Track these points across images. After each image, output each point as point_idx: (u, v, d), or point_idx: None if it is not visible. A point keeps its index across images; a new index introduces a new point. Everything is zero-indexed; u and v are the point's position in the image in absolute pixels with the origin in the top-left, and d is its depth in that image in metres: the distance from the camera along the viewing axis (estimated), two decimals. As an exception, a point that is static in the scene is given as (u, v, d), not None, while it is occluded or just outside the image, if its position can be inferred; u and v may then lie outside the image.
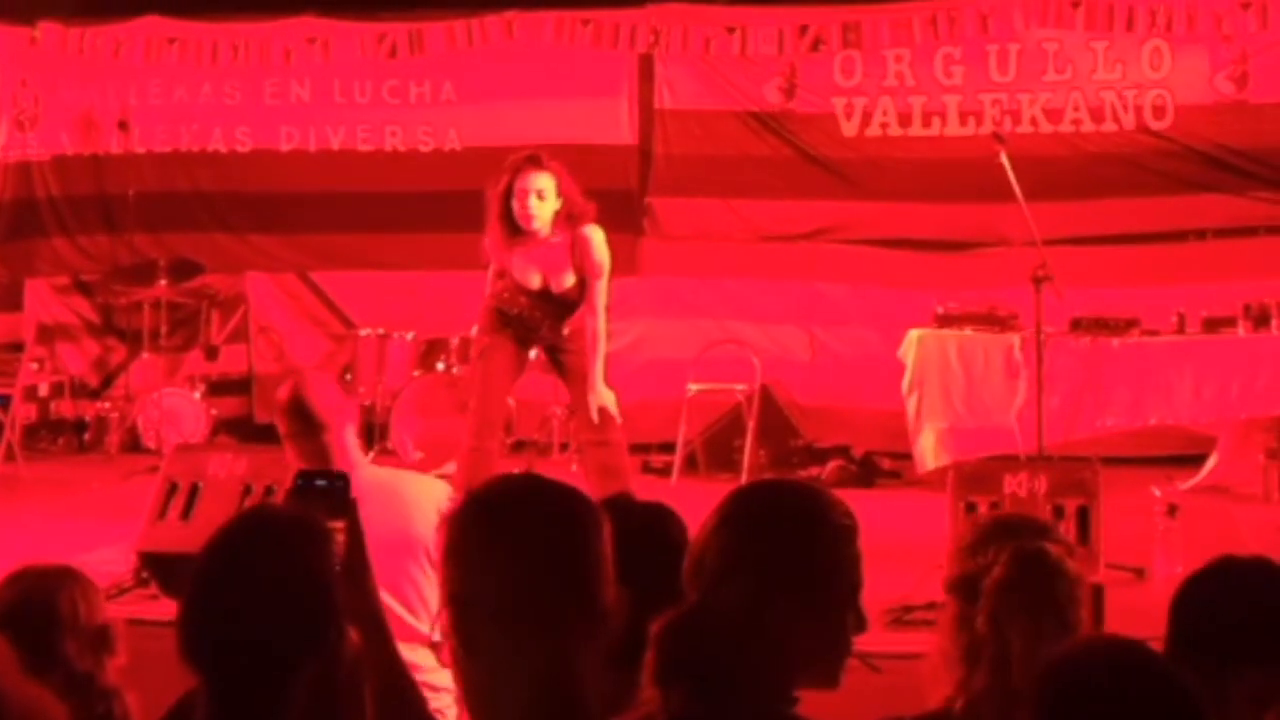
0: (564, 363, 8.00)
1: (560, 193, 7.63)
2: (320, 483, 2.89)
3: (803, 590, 2.53)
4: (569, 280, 7.71)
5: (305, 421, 4.50)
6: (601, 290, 7.76)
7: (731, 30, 11.61)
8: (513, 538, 2.46)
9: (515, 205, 7.57)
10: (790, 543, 2.56)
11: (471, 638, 2.44)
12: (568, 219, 7.65)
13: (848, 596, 2.59)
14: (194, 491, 7.00)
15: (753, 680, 2.40)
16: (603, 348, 7.86)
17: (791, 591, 2.52)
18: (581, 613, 2.45)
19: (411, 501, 4.32)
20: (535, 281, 7.71)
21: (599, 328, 7.80)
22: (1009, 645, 3.06)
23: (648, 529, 3.29)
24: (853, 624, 2.58)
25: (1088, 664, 2.32)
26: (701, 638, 2.42)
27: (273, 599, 2.57)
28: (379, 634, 2.83)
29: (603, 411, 7.82)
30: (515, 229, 7.65)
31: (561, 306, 7.78)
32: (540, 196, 7.58)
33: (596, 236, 7.74)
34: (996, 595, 3.08)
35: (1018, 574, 3.09)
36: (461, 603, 2.45)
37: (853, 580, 2.60)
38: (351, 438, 4.51)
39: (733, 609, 2.46)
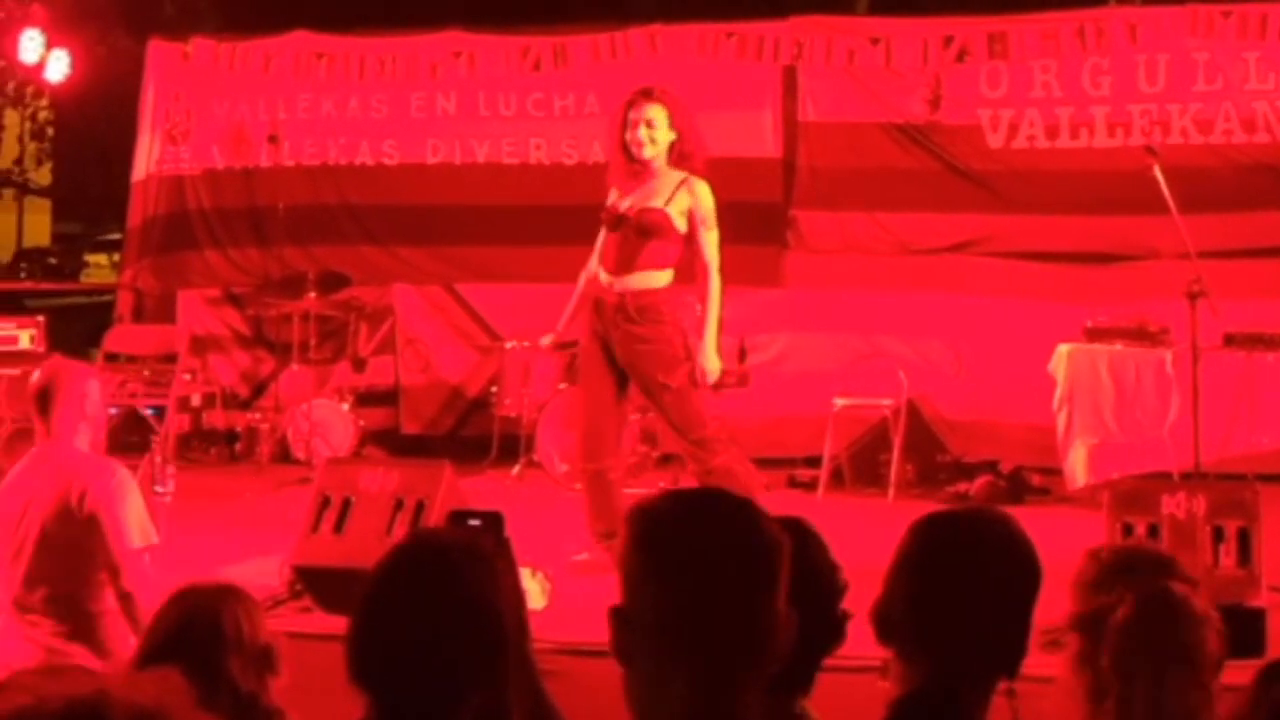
0: (633, 362, 7.85)
1: (673, 125, 7.73)
2: (474, 522, 2.90)
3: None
4: (660, 203, 7.72)
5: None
6: (712, 243, 7.80)
7: (875, 41, 11.56)
8: (679, 557, 2.42)
9: (628, 134, 7.69)
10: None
11: (630, 651, 2.42)
12: (681, 155, 7.73)
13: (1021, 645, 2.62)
14: (346, 505, 7.08)
15: None
16: (716, 305, 7.85)
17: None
18: (748, 637, 2.43)
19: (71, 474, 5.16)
20: (635, 205, 7.75)
21: (713, 284, 7.82)
22: (1133, 687, 3.02)
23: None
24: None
25: None
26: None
27: (447, 625, 2.59)
28: (529, 671, 2.83)
29: (688, 407, 7.73)
30: (632, 158, 7.76)
31: (642, 230, 7.71)
32: (650, 125, 7.67)
33: (706, 189, 7.82)
34: (1121, 637, 3.04)
35: (1142, 616, 3.05)
36: (625, 617, 2.45)
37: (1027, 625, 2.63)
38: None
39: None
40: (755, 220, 11.74)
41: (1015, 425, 10.58)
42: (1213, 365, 8.88)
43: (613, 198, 7.85)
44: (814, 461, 10.59)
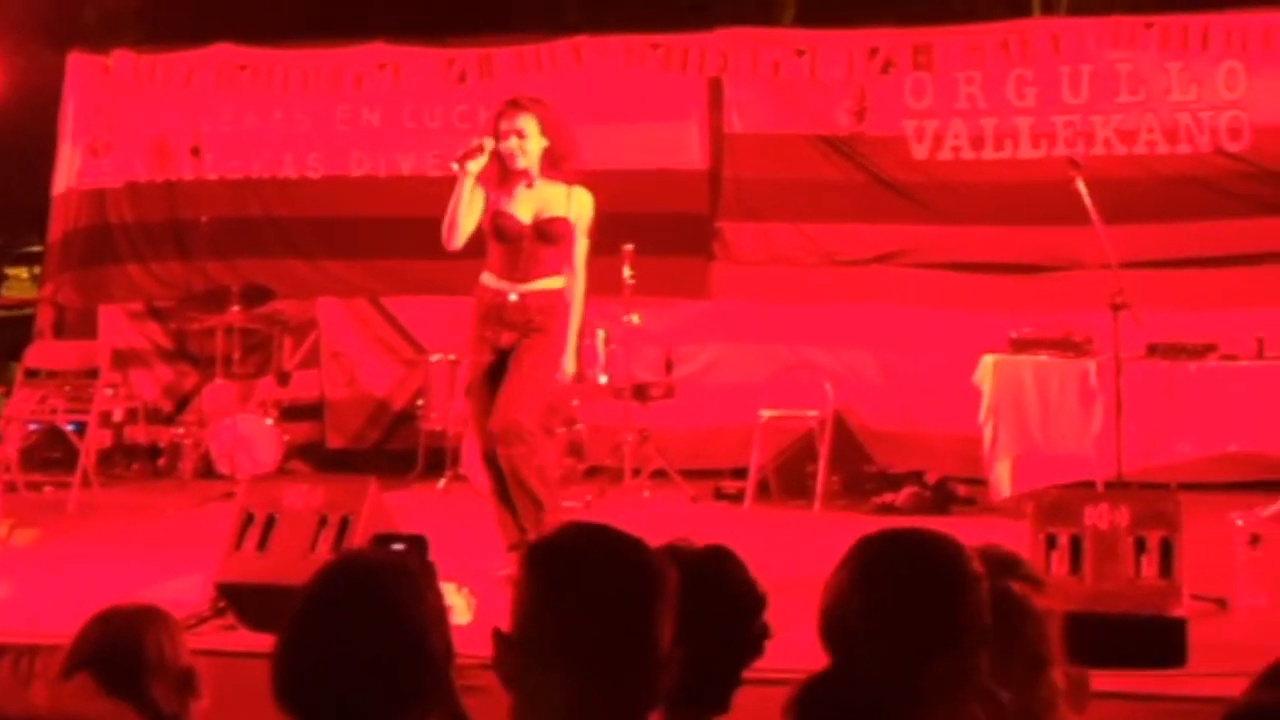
0: (518, 351, 7.89)
1: (544, 133, 7.82)
2: (398, 545, 2.89)
3: (949, 650, 2.53)
4: (561, 212, 7.86)
5: None
6: (584, 250, 7.97)
7: (801, 53, 11.58)
8: (573, 586, 2.45)
9: (501, 145, 7.78)
10: (936, 602, 2.59)
11: (512, 674, 2.43)
12: (552, 162, 7.83)
13: (979, 648, 2.61)
14: (270, 522, 7.02)
15: None
16: (579, 309, 8.04)
17: (939, 653, 2.52)
18: (628, 665, 2.43)
19: None
20: (528, 215, 7.85)
21: (579, 288, 7.98)
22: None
23: (704, 575, 3.27)
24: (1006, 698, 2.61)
25: None
26: (847, 699, 2.41)
27: (376, 644, 2.57)
28: (450, 696, 2.82)
29: (535, 392, 7.84)
30: (506, 169, 7.86)
31: (547, 238, 7.85)
32: (521, 135, 7.77)
33: (589, 198, 7.97)
34: None
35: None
36: (507, 640, 2.45)
37: (984, 631, 2.62)
38: None
39: (879, 671, 2.46)
40: (681, 232, 11.75)
41: (941, 436, 10.62)
42: (1136, 375, 8.92)
43: (510, 208, 7.91)
44: (740, 473, 10.58)
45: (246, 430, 11.26)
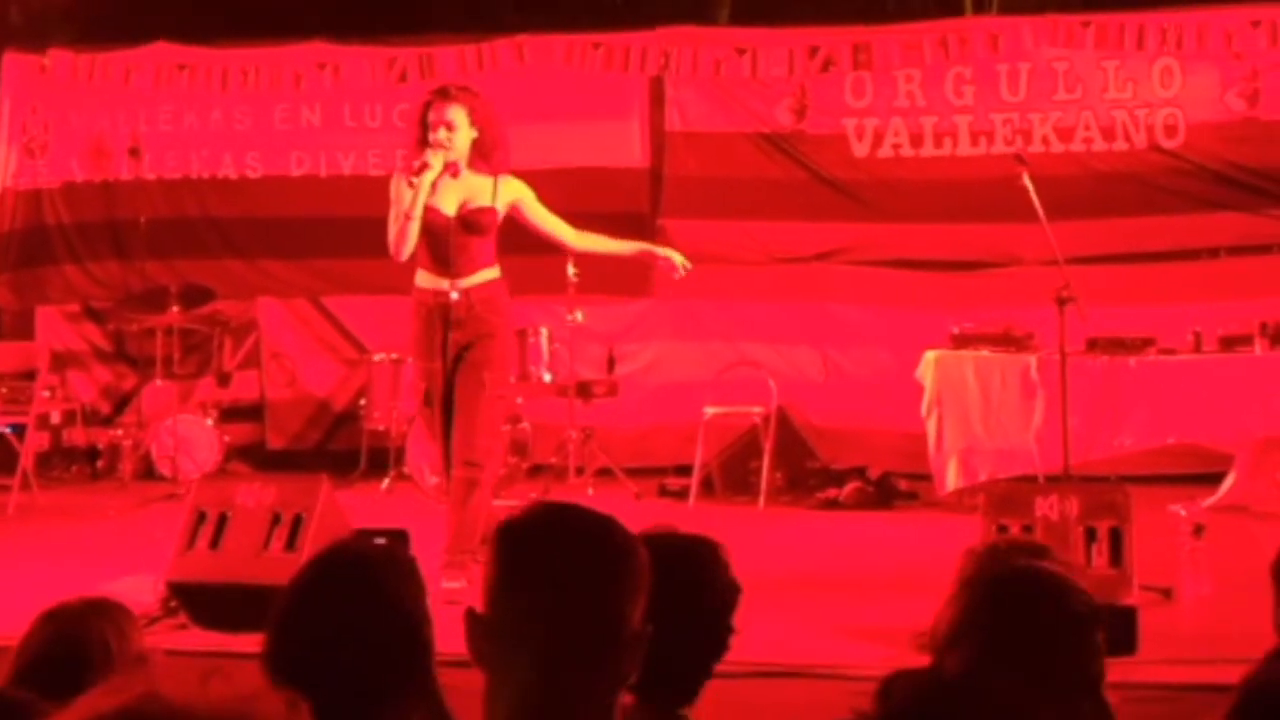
0: (465, 353, 7.75)
1: (473, 124, 7.68)
2: (379, 540, 2.90)
3: (1030, 668, 2.57)
4: (488, 202, 7.74)
5: None
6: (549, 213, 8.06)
7: (741, 52, 11.63)
8: (540, 564, 2.44)
9: (429, 136, 7.61)
10: (1020, 620, 2.64)
11: (482, 653, 2.41)
12: (481, 153, 7.70)
13: (1081, 683, 2.65)
14: (222, 521, 6.98)
15: None
16: (613, 244, 8.43)
17: (1017, 666, 2.56)
18: (595, 643, 2.43)
19: None
20: (452, 207, 7.69)
21: (592, 239, 8.35)
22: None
23: (685, 563, 3.30)
24: (1088, 711, 2.64)
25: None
26: (926, 695, 2.43)
27: (368, 631, 2.58)
28: (432, 690, 2.83)
29: (492, 414, 7.80)
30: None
31: (473, 229, 7.72)
32: (450, 127, 7.60)
33: (516, 181, 7.94)
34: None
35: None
36: (477, 619, 2.46)
37: (1090, 669, 2.65)
38: None
39: (956, 673, 2.49)
40: (623, 230, 11.70)
41: (883, 431, 10.69)
42: (1077, 370, 9.00)
43: (436, 202, 7.71)
44: (684, 470, 10.63)
45: (186, 431, 11.20)
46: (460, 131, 7.63)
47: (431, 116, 7.63)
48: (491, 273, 7.84)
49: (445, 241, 7.69)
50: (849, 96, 11.50)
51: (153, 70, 12.37)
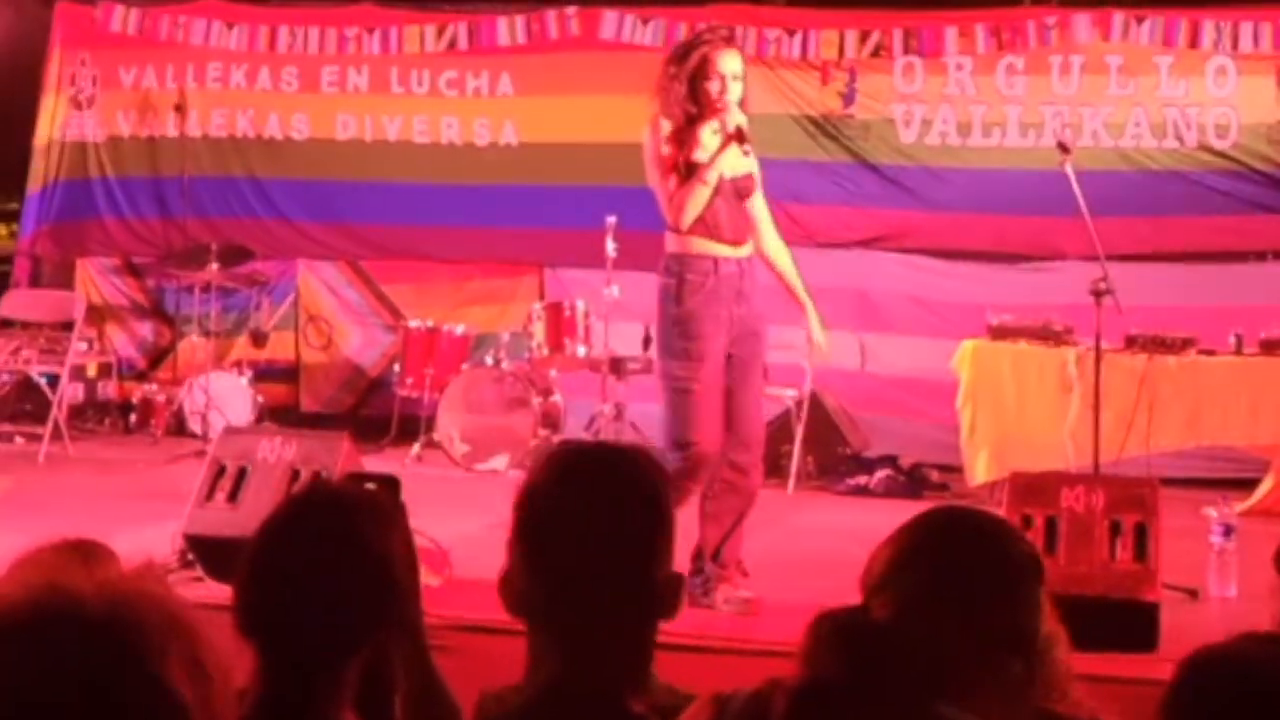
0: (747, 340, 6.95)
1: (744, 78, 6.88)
2: (370, 485, 2.87)
3: (959, 614, 2.51)
4: (754, 168, 6.95)
5: None
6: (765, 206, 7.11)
7: (792, 32, 11.54)
8: (546, 515, 2.45)
9: (713, 87, 6.68)
10: (952, 561, 2.57)
11: (517, 608, 2.44)
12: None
13: (1013, 638, 2.57)
14: (242, 475, 6.98)
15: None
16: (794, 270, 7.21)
17: (946, 612, 2.50)
18: (625, 592, 2.43)
19: None
20: (726, 170, 6.79)
21: (784, 245, 7.24)
22: None
23: None
24: (1018, 670, 2.57)
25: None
26: (846, 635, 2.39)
27: (340, 571, 2.54)
28: (419, 642, 2.80)
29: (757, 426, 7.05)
30: (697, 118, 6.77)
31: (743, 196, 6.91)
32: (738, 79, 6.76)
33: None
34: None
35: None
36: (506, 578, 2.43)
37: (1024, 624, 2.58)
38: None
39: (882, 615, 2.45)
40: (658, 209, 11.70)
41: (917, 420, 10.61)
42: (1114, 367, 8.91)
43: (690, 154, 6.79)
44: (716, 451, 10.55)
45: (220, 389, 11.20)
46: (740, 84, 6.81)
47: (719, 67, 6.72)
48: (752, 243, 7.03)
49: (726, 206, 6.84)
50: (899, 82, 11.39)
51: (202, 27, 12.37)
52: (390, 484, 2.89)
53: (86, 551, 3.64)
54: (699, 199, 6.70)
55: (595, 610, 2.39)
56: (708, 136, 6.72)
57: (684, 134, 6.75)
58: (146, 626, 1.39)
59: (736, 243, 6.86)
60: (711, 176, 6.68)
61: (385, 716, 2.80)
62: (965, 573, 2.59)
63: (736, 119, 6.69)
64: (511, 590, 2.44)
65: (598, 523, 2.40)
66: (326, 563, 2.53)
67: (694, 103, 6.71)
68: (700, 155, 6.72)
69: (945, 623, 2.51)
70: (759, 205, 7.05)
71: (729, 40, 6.86)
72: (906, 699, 2.22)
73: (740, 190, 6.88)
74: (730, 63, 6.74)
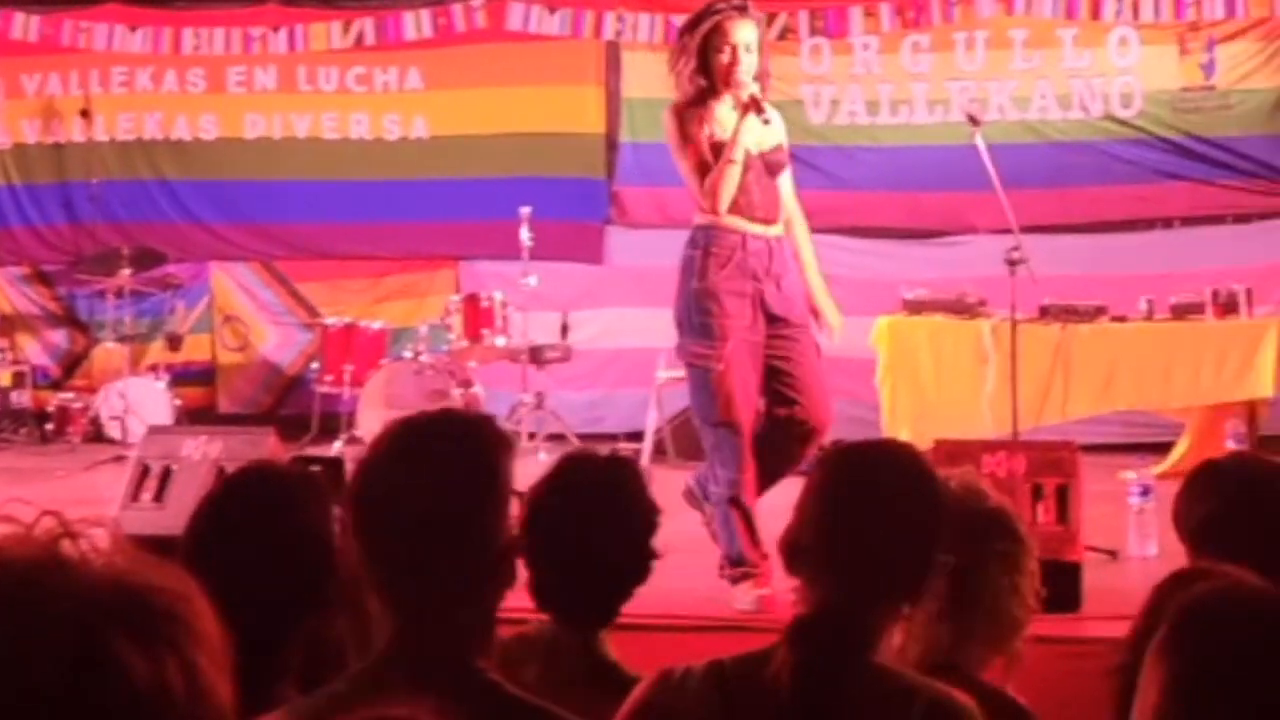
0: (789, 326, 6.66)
1: (761, 49, 6.58)
2: (315, 468, 2.89)
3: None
4: (783, 139, 6.68)
5: None
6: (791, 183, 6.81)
7: (699, 18, 11.56)
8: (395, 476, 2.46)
9: (723, 60, 6.42)
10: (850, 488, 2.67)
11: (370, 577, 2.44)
12: (760, 79, 6.58)
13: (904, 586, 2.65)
14: (167, 474, 6.94)
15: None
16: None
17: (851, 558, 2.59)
18: (471, 552, 2.44)
19: None
20: (753, 145, 6.50)
21: (807, 226, 6.87)
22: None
23: (604, 483, 3.31)
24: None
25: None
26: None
27: (278, 550, 2.56)
28: (364, 620, 2.82)
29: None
30: (708, 92, 6.51)
31: (774, 171, 6.61)
32: (750, 50, 6.44)
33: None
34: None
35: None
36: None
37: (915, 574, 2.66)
38: None
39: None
40: (578, 196, 11.75)
41: (837, 397, 10.65)
42: (1029, 337, 9.00)
43: (710, 132, 6.48)
44: (637, 436, 10.61)
45: (137, 394, 11.13)
46: (755, 55, 6.50)
47: (730, 37, 6.42)
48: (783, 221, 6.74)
49: (751, 184, 6.51)
50: (806, 63, 11.47)
51: (105, 31, 12.24)
52: (334, 466, 2.91)
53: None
54: (731, 180, 6.40)
55: (425, 578, 2.40)
56: (725, 112, 6.47)
57: (700, 110, 6.49)
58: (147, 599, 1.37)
59: (768, 221, 6.57)
60: (738, 154, 6.40)
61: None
62: (866, 500, 2.66)
63: (749, 89, 6.40)
64: (351, 559, 2.46)
65: (423, 492, 2.41)
66: (263, 538, 2.55)
67: (705, 75, 6.45)
68: (720, 133, 6.44)
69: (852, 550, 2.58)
70: (786, 181, 6.78)
71: (742, 9, 6.47)
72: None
73: (770, 165, 6.59)
74: (743, 32, 6.44)
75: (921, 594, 2.66)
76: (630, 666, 3.17)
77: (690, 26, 6.57)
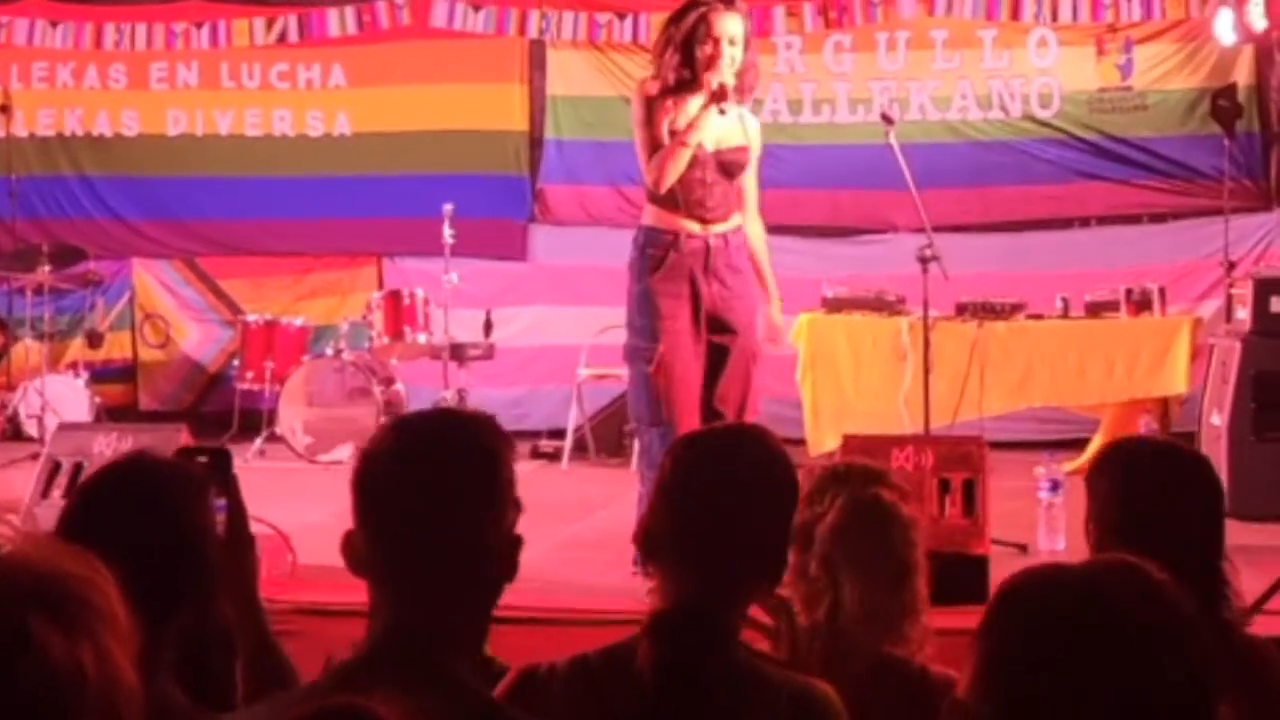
0: (729, 321, 6.61)
1: (747, 44, 6.51)
2: (202, 459, 2.88)
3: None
4: (744, 140, 6.63)
5: None
6: (754, 183, 6.82)
7: (623, 16, 11.62)
8: (386, 479, 2.46)
9: (706, 51, 6.38)
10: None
11: (359, 568, 2.44)
12: (741, 79, 6.49)
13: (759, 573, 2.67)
14: (78, 471, 6.89)
15: None
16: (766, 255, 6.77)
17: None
18: (472, 553, 2.45)
19: None
20: (711, 140, 6.51)
21: (763, 231, 6.82)
22: (843, 590, 3.10)
23: None
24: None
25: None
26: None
27: (148, 543, 2.55)
28: (253, 610, 2.82)
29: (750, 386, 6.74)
30: (689, 84, 6.48)
31: (732, 171, 6.59)
32: (733, 43, 6.40)
33: (756, 122, 6.87)
34: (829, 541, 3.12)
35: (849, 519, 3.13)
36: (350, 539, 2.45)
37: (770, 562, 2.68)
38: None
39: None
40: (501, 194, 11.76)
41: (758, 394, 10.70)
42: (945, 334, 9.07)
43: (674, 118, 6.49)
44: (559, 434, 10.63)
45: (56, 392, 11.04)
46: (739, 49, 6.43)
47: (715, 29, 6.39)
48: (740, 218, 6.72)
49: (703, 180, 6.53)
50: (729, 63, 11.49)
51: (25, 26, 12.17)
52: (221, 455, 2.90)
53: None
54: (678, 161, 6.41)
55: (425, 571, 2.40)
56: (696, 105, 6.44)
57: (674, 98, 6.47)
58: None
59: (707, 219, 6.54)
60: (692, 139, 6.39)
61: (228, 683, 2.82)
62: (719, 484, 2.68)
63: (721, 78, 6.35)
64: (352, 549, 2.45)
65: (427, 486, 2.41)
66: (133, 529, 2.54)
67: (688, 67, 6.43)
68: (683, 122, 6.43)
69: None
70: (749, 182, 6.77)
71: (729, 2, 6.44)
72: None
73: (725, 164, 6.57)
74: (727, 25, 6.41)
75: (781, 575, 2.68)
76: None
77: (676, 18, 6.58)
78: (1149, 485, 3.14)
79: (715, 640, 2.55)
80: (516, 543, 2.52)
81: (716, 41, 6.38)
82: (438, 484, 2.43)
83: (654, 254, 6.57)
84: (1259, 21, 9.89)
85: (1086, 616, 1.77)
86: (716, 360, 6.63)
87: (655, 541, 2.66)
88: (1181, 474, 3.20)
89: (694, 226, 6.54)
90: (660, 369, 6.51)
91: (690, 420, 6.44)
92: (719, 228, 6.58)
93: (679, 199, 6.54)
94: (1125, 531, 3.03)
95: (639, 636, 2.58)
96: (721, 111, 6.42)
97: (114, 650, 1.37)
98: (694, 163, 6.46)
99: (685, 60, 6.44)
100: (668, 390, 6.54)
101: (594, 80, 11.73)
